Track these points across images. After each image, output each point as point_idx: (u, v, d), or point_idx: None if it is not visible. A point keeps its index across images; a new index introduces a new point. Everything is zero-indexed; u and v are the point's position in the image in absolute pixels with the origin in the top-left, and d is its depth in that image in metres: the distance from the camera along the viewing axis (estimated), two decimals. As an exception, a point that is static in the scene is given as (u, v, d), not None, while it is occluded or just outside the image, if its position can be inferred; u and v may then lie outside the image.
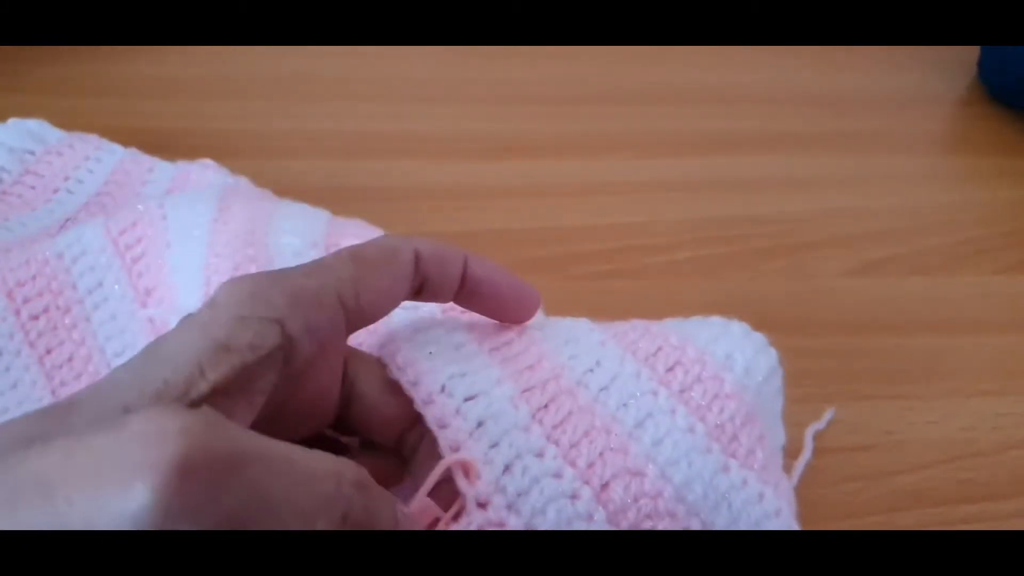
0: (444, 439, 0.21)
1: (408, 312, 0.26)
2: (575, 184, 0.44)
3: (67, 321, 0.31)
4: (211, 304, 0.20)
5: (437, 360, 0.23)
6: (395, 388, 0.23)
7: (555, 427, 0.22)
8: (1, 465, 0.16)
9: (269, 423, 0.20)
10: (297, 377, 0.21)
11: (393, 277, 0.22)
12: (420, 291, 0.24)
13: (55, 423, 0.17)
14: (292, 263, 0.23)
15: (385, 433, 0.23)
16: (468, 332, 0.25)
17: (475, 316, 0.26)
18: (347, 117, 0.47)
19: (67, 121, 0.43)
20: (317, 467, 0.17)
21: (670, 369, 0.24)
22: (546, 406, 0.22)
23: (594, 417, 0.22)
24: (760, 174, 0.46)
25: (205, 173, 0.39)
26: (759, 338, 0.26)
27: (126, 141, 0.41)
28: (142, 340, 0.30)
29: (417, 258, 0.23)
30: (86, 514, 0.16)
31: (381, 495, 0.19)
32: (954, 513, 0.30)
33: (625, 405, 0.23)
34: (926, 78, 0.55)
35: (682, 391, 0.23)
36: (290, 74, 0.50)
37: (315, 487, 0.17)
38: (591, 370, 0.24)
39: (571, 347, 0.25)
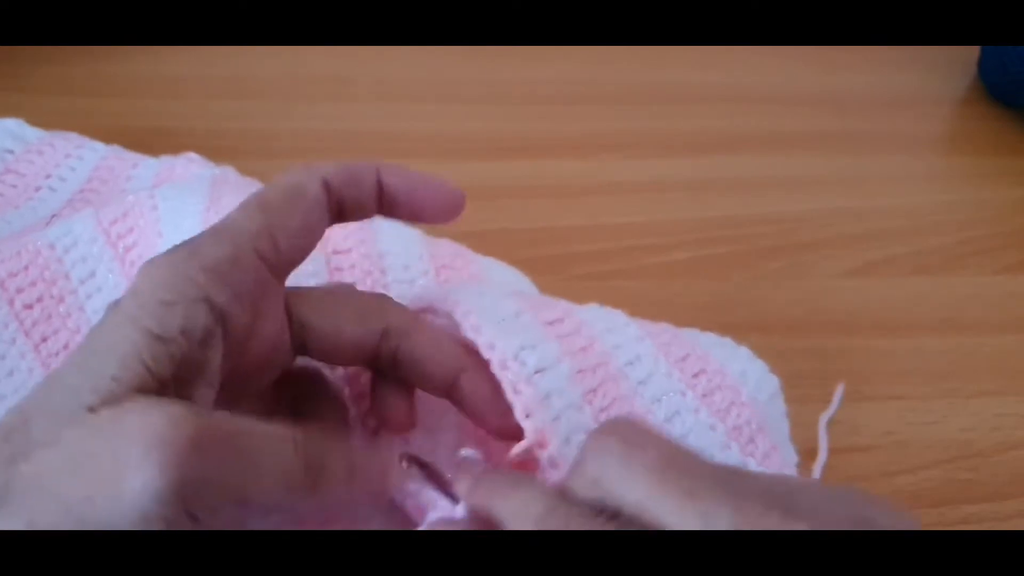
0: (519, 404, 0.23)
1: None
2: (575, 184, 0.44)
3: (61, 309, 0.31)
4: (134, 292, 0.19)
5: (507, 328, 0.24)
6: (354, 319, 0.23)
7: (602, 411, 0.24)
8: None
9: (230, 387, 0.21)
10: (242, 341, 0.21)
11: (305, 213, 0.22)
12: (340, 214, 0.24)
13: (15, 442, 0.17)
14: None
15: (348, 358, 0.24)
16: (519, 301, 0.26)
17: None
18: (347, 117, 0.47)
19: (67, 121, 0.43)
20: (275, 433, 0.19)
21: (696, 375, 0.26)
22: (595, 390, 0.24)
23: (632, 407, 0.25)
24: (760, 174, 0.46)
25: (190, 167, 0.39)
26: (762, 364, 0.28)
27: (125, 141, 0.41)
28: None
29: (326, 185, 0.23)
30: (108, 510, 0.17)
31: (331, 447, 0.21)
32: (954, 513, 0.30)
33: (659, 400, 0.26)
34: (926, 78, 0.55)
35: (705, 395, 0.26)
36: (290, 74, 0.50)
37: (279, 450, 0.19)
38: (631, 363, 0.26)
39: (614, 336, 0.27)
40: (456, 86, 0.51)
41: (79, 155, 0.40)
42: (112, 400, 0.18)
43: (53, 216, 0.37)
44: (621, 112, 0.50)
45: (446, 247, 0.34)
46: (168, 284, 0.19)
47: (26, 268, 0.32)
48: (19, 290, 0.31)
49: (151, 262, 0.20)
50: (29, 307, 0.31)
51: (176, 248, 0.21)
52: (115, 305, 0.20)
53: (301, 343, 0.23)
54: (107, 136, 0.41)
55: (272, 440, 0.19)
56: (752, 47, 0.54)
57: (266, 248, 0.21)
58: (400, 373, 0.24)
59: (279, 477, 0.19)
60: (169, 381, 0.19)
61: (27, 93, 0.46)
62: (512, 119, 0.48)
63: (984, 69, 0.53)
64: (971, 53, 0.55)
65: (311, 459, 0.20)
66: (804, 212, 0.43)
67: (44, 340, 0.31)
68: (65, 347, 0.31)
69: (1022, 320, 0.38)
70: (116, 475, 0.17)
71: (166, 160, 0.40)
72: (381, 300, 0.24)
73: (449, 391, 0.24)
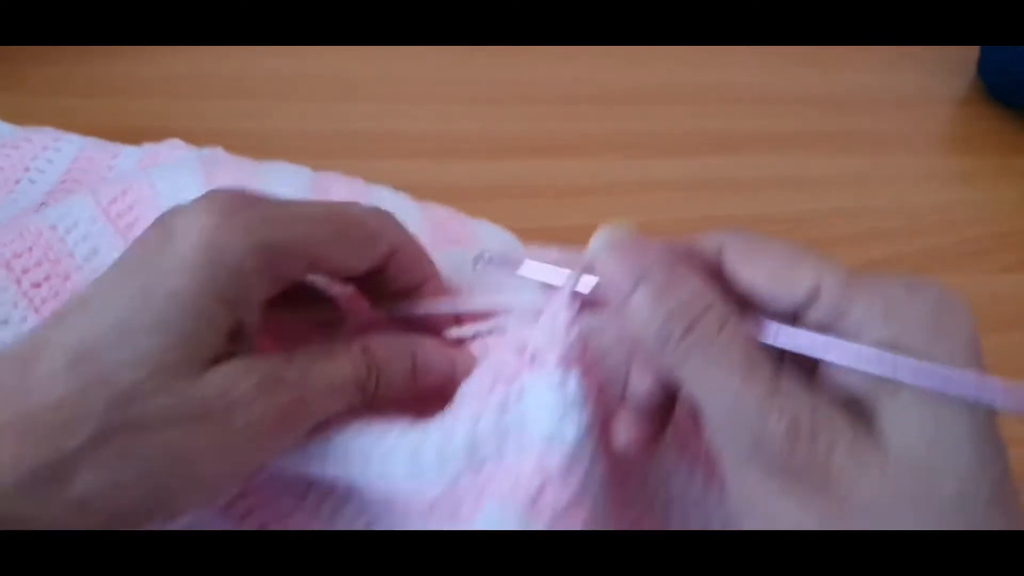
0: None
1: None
2: (574, 184, 0.44)
3: (69, 286, 0.32)
4: (205, 247, 0.20)
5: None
6: (368, 245, 0.24)
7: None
8: None
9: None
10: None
11: (358, 258, 0.24)
12: (370, 276, 0.24)
13: None
14: None
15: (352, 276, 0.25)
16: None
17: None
18: (347, 117, 0.47)
19: (67, 121, 0.43)
20: (338, 360, 0.23)
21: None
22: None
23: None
24: (760, 174, 0.46)
25: (174, 152, 0.39)
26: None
27: (125, 141, 0.41)
28: None
29: (391, 252, 0.24)
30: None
31: (389, 355, 0.24)
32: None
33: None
34: (926, 78, 0.55)
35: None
36: (290, 74, 0.50)
37: (343, 374, 0.23)
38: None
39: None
40: (456, 86, 0.50)
41: (56, 147, 0.40)
42: (198, 357, 0.20)
43: (42, 205, 0.37)
44: (621, 112, 0.50)
45: (439, 211, 0.37)
46: (242, 252, 0.21)
47: (30, 249, 0.32)
48: (25, 270, 0.32)
49: (213, 210, 0.21)
50: (37, 286, 0.32)
51: (247, 204, 0.22)
52: (168, 242, 0.21)
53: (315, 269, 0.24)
54: (107, 136, 0.41)
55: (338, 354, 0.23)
56: (752, 47, 0.54)
57: (321, 261, 0.23)
58: (377, 278, 0.25)
59: (343, 399, 0.23)
60: (232, 337, 0.21)
61: (26, 93, 0.46)
62: (512, 119, 0.48)
63: (984, 69, 0.53)
64: (971, 53, 0.55)
65: (370, 375, 0.23)
66: (804, 212, 0.43)
67: None
68: None
69: (1022, 320, 0.38)
70: (229, 437, 0.20)
71: (148, 147, 0.40)
72: (383, 222, 0.25)
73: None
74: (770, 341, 0.19)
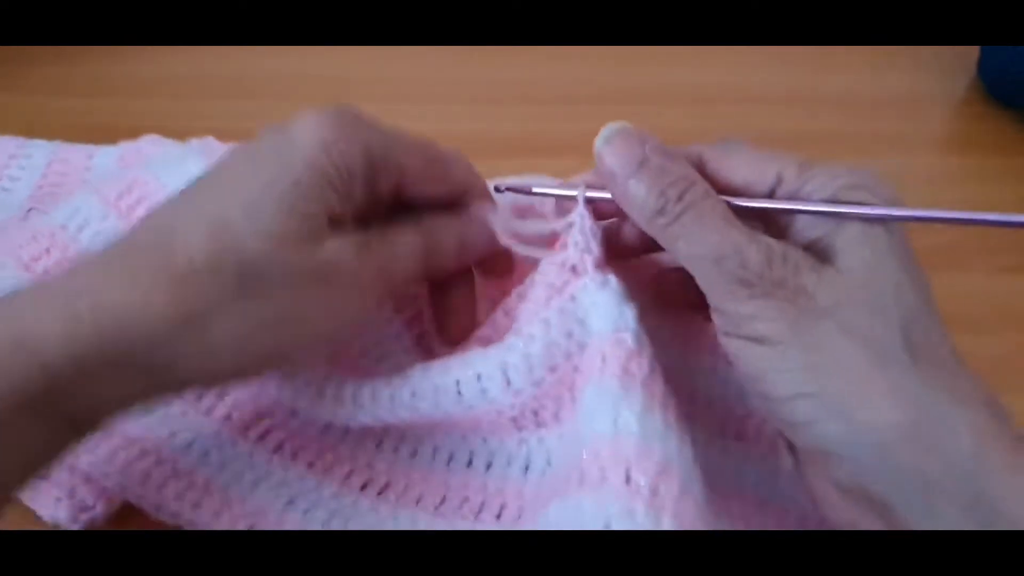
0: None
1: None
2: (575, 184, 0.44)
3: None
4: (324, 147, 0.24)
5: None
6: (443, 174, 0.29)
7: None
8: None
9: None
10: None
11: (437, 184, 0.29)
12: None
13: None
14: None
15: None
16: None
17: None
18: (347, 117, 0.47)
19: (66, 121, 0.43)
20: (407, 235, 0.27)
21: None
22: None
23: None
24: (760, 174, 0.46)
25: (156, 148, 0.40)
26: None
27: (125, 141, 0.41)
28: None
29: (462, 188, 0.29)
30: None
31: (442, 230, 0.28)
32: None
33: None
34: (926, 78, 0.55)
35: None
36: (290, 74, 0.50)
37: (413, 247, 0.27)
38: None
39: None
40: (456, 86, 0.51)
41: (26, 153, 0.40)
42: (310, 231, 0.24)
43: (30, 211, 0.37)
44: (621, 112, 0.49)
45: None
46: (354, 157, 0.25)
47: (47, 250, 0.33)
48: (46, 271, 0.33)
49: (331, 122, 0.25)
50: None
51: (358, 119, 0.26)
52: (288, 141, 0.25)
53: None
54: (107, 136, 0.41)
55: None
56: (751, 47, 0.54)
57: (408, 178, 0.28)
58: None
59: (414, 266, 0.27)
60: (334, 222, 0.25)
61: (26, 93, 0.46)
62: (512, 119, 0.48)
63: (984, 69, 0.53)
64: (971, 53, 0.55)
65: (430, 244, 0.27)
66: (804, 212, 0.43)
67: None
68: None
69: (1022, 320, 0.38)
70: (338, 298, 0.25)
71: (126, 145, 0.40)
72: (460, 158, 0.30)
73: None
74: (744, 204, 0.25)
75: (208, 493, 0.28)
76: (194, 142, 0.39)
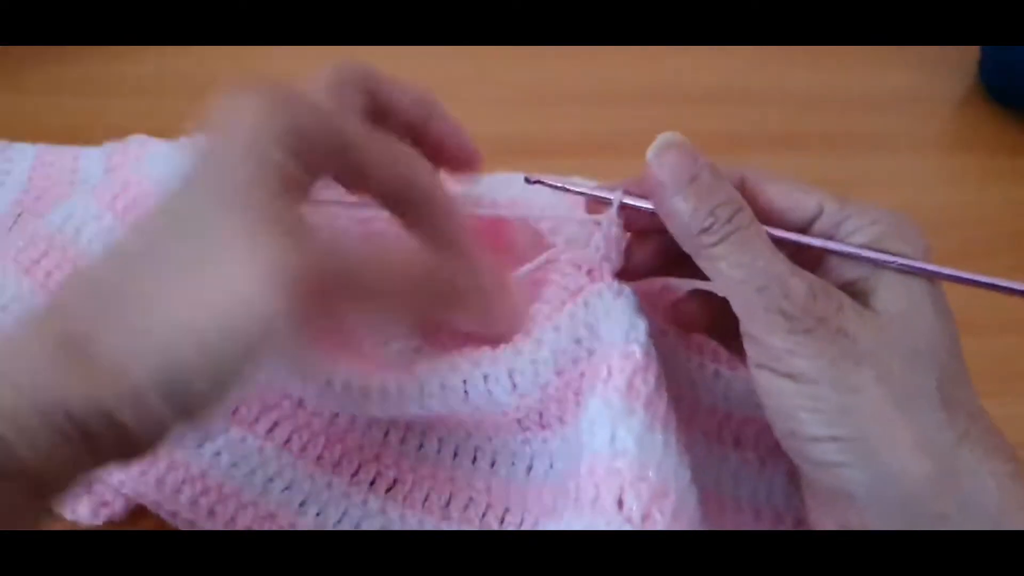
0: None
1: None
2: (575, 184, 0.44)
3: None
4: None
5: None
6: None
7: None
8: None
9: None
10: None
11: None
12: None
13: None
14: None
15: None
16: None
17: None
18: (347, 117, 0.47)
19: (66, 121, 0.43)
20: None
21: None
22: None
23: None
24: (760, 174, 0.46)
25: (145, 148, 0.40)
26: None
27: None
28: None
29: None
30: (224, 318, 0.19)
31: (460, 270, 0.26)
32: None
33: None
34: (926, 78, 0.55)
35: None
36: (290, 74, 0.49)
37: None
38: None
39: None
40: (456, 86, 0.50)
41: (7, 157, 0.40)
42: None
43: (20, 215, 0.37)
44: (621, 112, 0.50)
45: None
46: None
47: (46, 253, 0.33)
48: (48, 274, 0.33)
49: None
50: None
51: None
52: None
53: None
54: (107, 136, 0.41)
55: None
56: (752, 47, 0.54)
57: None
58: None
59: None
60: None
61: (27, 93, 0.46)
62: (512, 119, 0.48)
63: (984, 69, 0.53)
64: (971, 53, 0.55)
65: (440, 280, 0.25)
66: (804, 212, 0.43)
67: None
68: None
69: (1022, 320, 0.38)
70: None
71: (112, 145, 0.40)
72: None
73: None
74: (786, 237, 0.25)
75: (221, 497, 0.28)
76: (184, 141, 0.39)
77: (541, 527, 0.26)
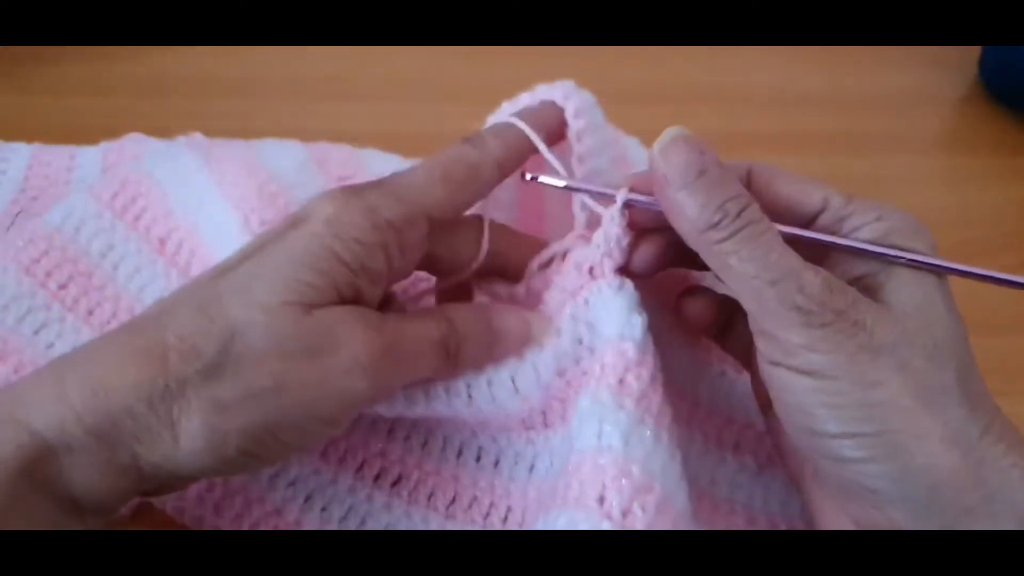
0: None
1: None
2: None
3: (95, 282, 0.33)
4: (327, 221, 0.24)
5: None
6: (474, 246, 0.28)
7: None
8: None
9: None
10: (395, 279, 0.26)
11: (477, 194, 0.27)
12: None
13: (218, 323, 0.23)
14: (295, 178, 0.34)
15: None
16: None
17: None
18: (347, 117, 0.47)
19: (67, 121, 0.43)
20: (425, 321, 0.25)
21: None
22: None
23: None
24: (760, 174, 0.46)
25: (141, 147, 0.40)
26: None
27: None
28: (171, 285, 0.34)
29: (499, 168, 0.28)
30: (317, 395, 0.23)
31: (467, 322, 0.26)
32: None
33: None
34: (926, 78, 0.55)
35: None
36: (290, 74, 0.50)
37: (429, 334, 0.25)
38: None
39: None
40: (456, 86, 0.50)
41: (2, 156, 0.40)
42: (309, 302, 0.23)
43: (18, 214, 0.37)
44: (621, 112, 0.50)
45: (323, 148, 0.40)
46: (361, 227, 0.24)
47: (46, 252, 0.33)
48: (48, 273, 0.33)
49: (337, 198, 0.24)
50: (64, 287, 0.33)
51: (363, 191, 0.25)
52: (299, 223, 0.24)
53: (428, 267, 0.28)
54: (106, 136, 0.41)
55: (423, 327, 0.25)
56: (752, 47, 0.54)
57: (438, 216, 0.26)
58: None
59: (427, 358, 0.25)
60: (347, 300, 0.24)
61: (27, 93, 0.46)
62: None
63: (984, 69, 0.53)
64: (971, 53, 0.55)
65: (451, 337, 0.25)
66: (804, 212, 0.43)
67: (91, 313, 0.33)
68: (114, 315, 0.33)
69: (1022, 320, 0.38)
70: (331, 371, 0.23)
71: (108, 144, 0.40)
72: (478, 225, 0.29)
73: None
74: (799, 234, 0.25)
75: (228, 493, 0.28)
76: (181, 139, 0.39)
77: (529, 526, 0.26)
